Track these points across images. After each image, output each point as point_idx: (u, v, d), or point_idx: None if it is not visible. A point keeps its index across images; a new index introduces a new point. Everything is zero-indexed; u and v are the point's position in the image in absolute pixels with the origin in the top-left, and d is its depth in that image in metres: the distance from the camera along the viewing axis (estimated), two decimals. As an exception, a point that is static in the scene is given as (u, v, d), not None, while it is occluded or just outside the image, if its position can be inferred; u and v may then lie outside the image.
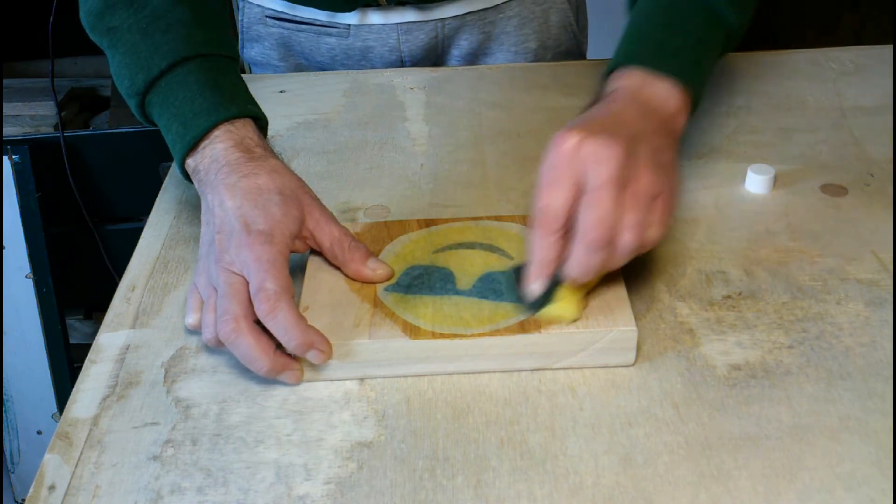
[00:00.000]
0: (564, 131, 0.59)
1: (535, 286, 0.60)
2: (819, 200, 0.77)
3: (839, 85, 0.94)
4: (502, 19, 1.04)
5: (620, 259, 0.59)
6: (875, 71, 0.96)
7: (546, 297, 0.59)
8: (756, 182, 0.77)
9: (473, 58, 1.06)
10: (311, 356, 0.59)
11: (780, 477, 0.53)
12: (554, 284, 0.59)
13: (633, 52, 0.69)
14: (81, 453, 0.57)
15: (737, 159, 0.82)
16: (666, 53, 0.68)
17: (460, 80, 0.98)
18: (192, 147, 0.68)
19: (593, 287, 0.62)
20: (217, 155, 0.67)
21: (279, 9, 1.03)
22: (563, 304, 0.60)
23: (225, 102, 0.69)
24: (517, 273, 0.62)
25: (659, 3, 0.72)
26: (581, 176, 0.58)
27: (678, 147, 0.66)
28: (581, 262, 0.58)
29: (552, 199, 0.58)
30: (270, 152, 0.69)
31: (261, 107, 0.74)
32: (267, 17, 1.04)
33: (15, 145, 1.37)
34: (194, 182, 0.69)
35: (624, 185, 0.57)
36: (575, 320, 0.60)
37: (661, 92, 0.66)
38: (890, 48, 0.99)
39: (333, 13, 1.00)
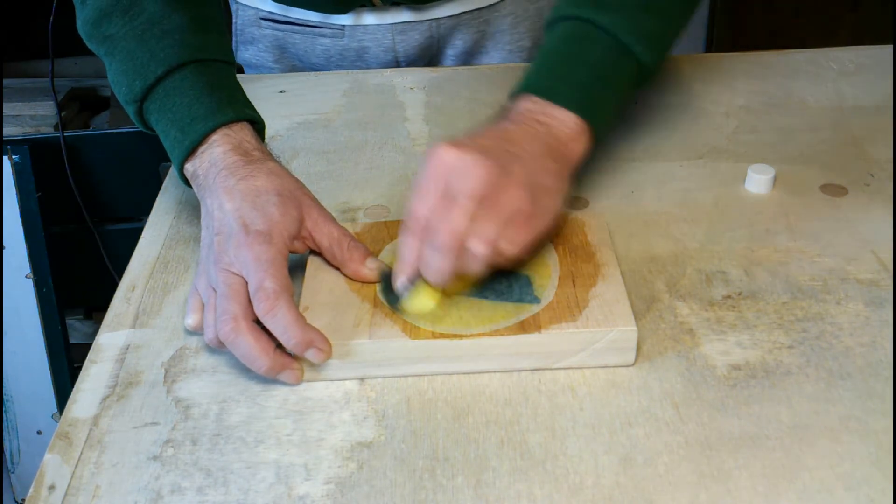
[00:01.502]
0: (443, 144, 0.62)
1: (399, 283, 0.63)
2: (819, 200, 0.77)
3: (839, 85, 0.94)
4: (497, 18, 1.04)
5: (474, 266, 0.61)
6: (875, 71, 0.96)
7: (409, 294, 0.62)
8: (756, 182, 0.77)
9: (469, 57, 1.06)
10: (311, 355, 0.59)
11: (780, 477, 0.53)
12: (414, 283, 0.62)
13: (536, 82, 0.70)
14: (81, 453, 0.57)
15: (737, 159, 0.82)
16: (567, 86, 0.69)
17: (460, 79, 0.98)
18: (191, 152, 0.68)
19: (463, 289, 0.64)
20: (215, 159, 0.67)
21: (273, 10, 1.03)
22: (420, 299, 0.62)
23: (222, 107, 0.69)
24: (387, 275, 0.65)
25: (569, 35, 0.72)
26: (449, 186, 0.61)
27: (567, 174, 0.67)
28: (430, 264, 0.61)
29: (418, 207, 0.61)
30: (268, 155, 0.69)
31: (261, 107, 0.74)
32: (261, 19, 1.04)
33: (15, 145, 1.37)
34: (193, 187, 0.69)
35: (485, 199, 0.60)
36: (431, 311, 0.62)
37: (555, 118, 0.68)
38: (890, 48, 0.99)
39: (327, 14, 1.00)
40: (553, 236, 0.68)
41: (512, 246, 0.62)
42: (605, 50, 0.70)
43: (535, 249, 0.65)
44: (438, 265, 0.60)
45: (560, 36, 0.72)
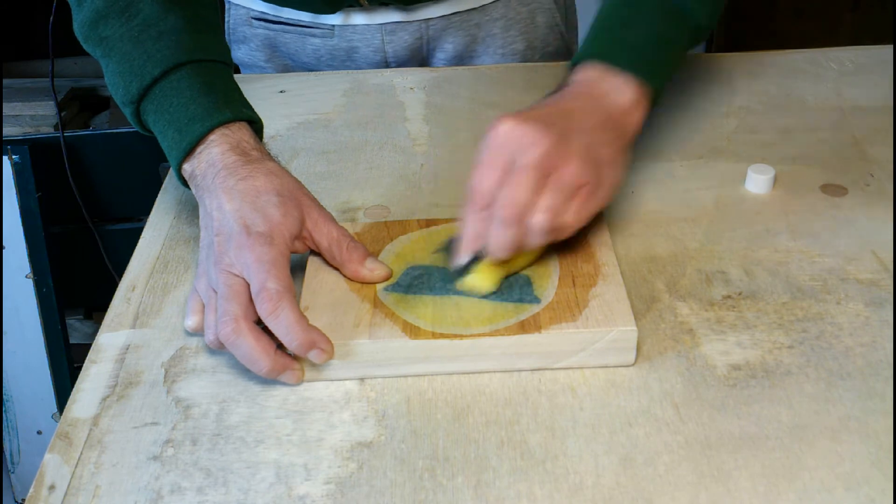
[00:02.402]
0: (502, 117, 0.62)
1: (460, 258, 0.63)
2: (819, 200, 0.77)
3: (839, 85, 0.94)
4: (488, 21, 1.03)
5: (534, 238, 0.61)
6: (875, 71, 0.96)
7: (467, 269, 0.63)
8: (756, 182, 0.77)
9: (459, 60, 1.06)
10: (313, 356, 0.59)
11: (780, 477, 0.53)
12: (477, 258, 0.62)
13: (594, 48, 0.71)
14: (81, 453, 0.57)
15: (737, 159, 0.82)
16: (625, 49, 0.70)
17: (460, 79, 0.98)
18: (189, 152, 0.68)
19: (525, 266, 0.65)
20: (214, 159, 0.67)
21: (264, 10, 1.03)
22: (479, 276, 0.63)
23: (220, 107, 0.69)
24: (450, 245, 0.65)
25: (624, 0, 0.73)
26: (510, 159, 0.61)
27: (627, 143, 0.68)
28: (493, 235, 0.61)
29: (481, 180, 0.61)
30: (267, 155, 0.69)
31: (260, 107, 0.74)
32: (252, 18, 1.04)
33: (15, 145, 1.37)
34: (191, 187, 0.69)
35: (547, 172, 0.61)
36: (489, 293, 0.63)
37: (615, 87, 0.68)
38: (890, 48, 0.99)
39: (317, 14, 1.00)
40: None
41: (575, 219, 0.62)
42: (662, 12, 0.71)
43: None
44: (502, 238, 0.60)
45: (615, 1, 0.73)
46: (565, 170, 0.61)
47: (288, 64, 1.07)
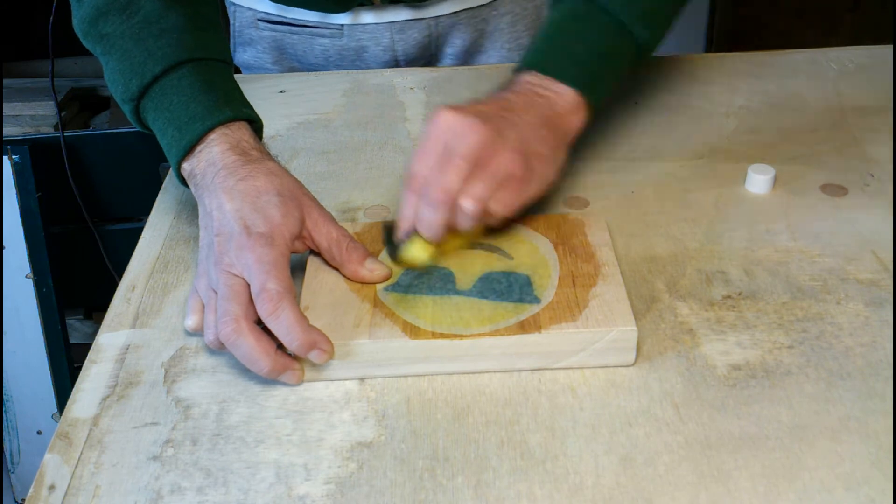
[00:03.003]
0: (444, 108, 0.66)
1: (400, 234, 0.66)
2: (819, 200, 0.77)
3: (839, 85, 0.94)
4: (495, 17, 1.04)
5: (463, 221, 0.64)
6: (875, 71, 0.96)
7: (405, 245, 0.66)
8: (756, 182, 0.77)
9: (467, 56, 1.06)
10: (314, 356, 0.59)
11: (780, 477, 0.53)
12: (411, 236, 0.66)
13: (537, 57, 0.73)
14: (81, 453, 0.57)
15: (737, 159, 0.82)
16: (567, 61, 0.72)
17: (460, 79, 0.98)
18: (188, 151, 0.68)
19: (458, 247, 0.67)
20: (214, 158, 0.67)
21: (271, 11, 1.03)
22: (415, 248, 0.65)
23: (220, 106, 0.69)
24: (388, 228, 0.68)
25: (570, 13, 0.75)
26: (447, 148, 0.64)
27: (564, 144, 0.71)
28: (424, 217, 0.64)
29: (418, 165, 0.65)
30: (267, 155, 0.69)
31: (261, 107, 0.74)
32: (259, 20, 1.04)
33: (15, 145, 1.37)
34: (191, 186, 0.69)
35: (479, 161, 0.64)
36: (425, 264, 0.66)
37: (554, 91, 0.71)
38: (890, 48, 0.99)
39: (326, 14, 1.00)
40: (550, 228, 0.68)
41: (502, 207, 0.65)
42: (605, 28, 0.73)
43: (526, 211, 0.69)
44: (431, 219, 0.64)
45: (562, 13, 0.75)
46: (496, 160, 0.64)
47: (295, 66, 1.07)
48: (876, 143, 0.84)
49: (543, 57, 0.73)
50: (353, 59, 1.04)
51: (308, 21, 1.02)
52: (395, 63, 1.04)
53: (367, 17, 1.00)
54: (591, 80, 0.72)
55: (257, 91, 0.96)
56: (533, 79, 0.71)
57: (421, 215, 0.64)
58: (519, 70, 0.73)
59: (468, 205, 0.63)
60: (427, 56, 1.05)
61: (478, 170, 0.64)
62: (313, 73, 1.03)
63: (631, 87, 0.93)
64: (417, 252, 0.65)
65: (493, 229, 0.69)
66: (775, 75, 0.96)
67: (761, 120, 0.88)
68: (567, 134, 0.71)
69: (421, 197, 0.64)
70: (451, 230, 0.65)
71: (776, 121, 0.88)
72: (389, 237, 0.67)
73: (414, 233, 0.65)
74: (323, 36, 1.02)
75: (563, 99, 0.71)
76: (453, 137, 0.64)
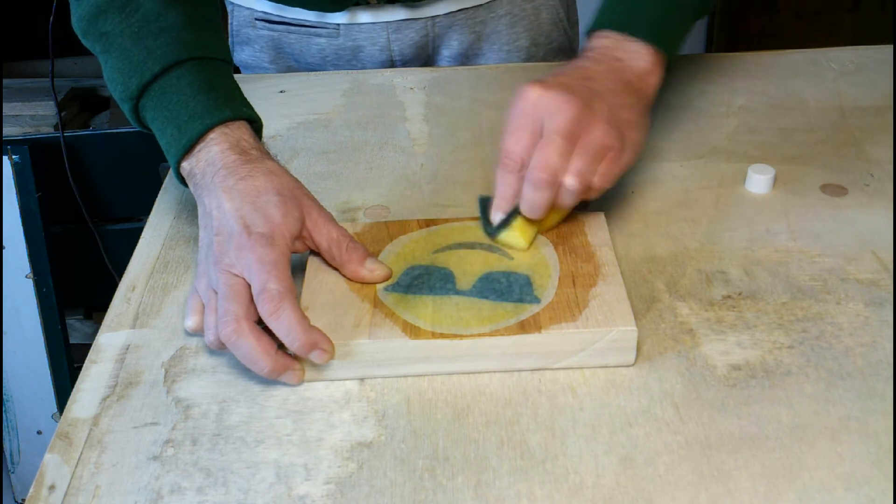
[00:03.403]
0: (530, 84, 0.66)
1: (495, 216, 0.68)
2: (819, 200, 0.77)
3: (839, 85, 0.94)
4: (493, 18, 1.04)
5: (567, 199, 0.65)
6: (875, 71, 0.96)
7: (503, 226, 0.67)
8: (756, 182, 0.77)
9: (465, 58, 1.06)
10: (315, 356, 0.59)
11: (780, 477, 0.53)
12: (511, 216, 0.67)
13: (609, 17, 0.74)
14: (81, 453, 0.57)
15: (737, 159, 0.82)
16: (639, 18, 0.73)
17: (460, 80, 0.98)
18: (188, 150, 0.68)
19: (555, 225, 0.69)
20: (213, 158, 0.67)
21: (268, 10, 1.03)
22: (515, 233, 0.67)
23: (219, 105, 0.69)
24: (485, 203, 0.69)
25: None
26: (539, 124, 0.65)
27: (646, 106, 0.71)
28: (528, 197, 0.65)
29: (512, 144, 0.66)
30: (266, 154, 0.69)
31: (260, 107, 0.74)
32: (256, 19, 1.04)
33: (15, 145, 1.37)
34: (190, 186, 0.69)
35: (575, 136, 0.64)
36: (525, 249, 0.67)
37: (631, 52, 0.71)
38: (890, 48, 0.99)
39: (322, 13, 1.00)
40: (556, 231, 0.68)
41: (603, 180, 0.66)
42: None
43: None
44: (536, 199, 0.64)
45: None
46: (592, 134, 0.65)
47: (292, 65, 1.07)
48: (876, 143, 0.84)
49: (617, 16, 0.73)
50: (349, 59, 1.04)
51: (305, 20, 1.02)
52: (391, 63, 1.04)
53: (364, 16, 1.00)
54: (665, 35, 0.73)
55: (257, 91, 0.96)
56: (608, 42, 0.72)
57: (525, 195, 0.65)
58: (591, 32, 0.74)
59: (572, 182, 0.64)
60: (424, 57, 1.05)
61: (576, 145, 0.64)
62: (313, 73, 1.03)
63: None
64: (520, 232, 0.67)
65: (586, 202, 0.70)
66: (775, 75, 0.96)
67: (761, 120, 0.88)
68: (648, 95, 0.72)
69: (522, 177, 0.65)
70: (552, 207, 0.66)
71: (776, 121, 0.88)
72: (486, 214, 0.68)
73: (514, 212, 0.66)
74: (320, 35, 1.02)
75: (641, 58, 0.71)
76: (546, 114, 0.64)
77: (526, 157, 0.65)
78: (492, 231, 0.68)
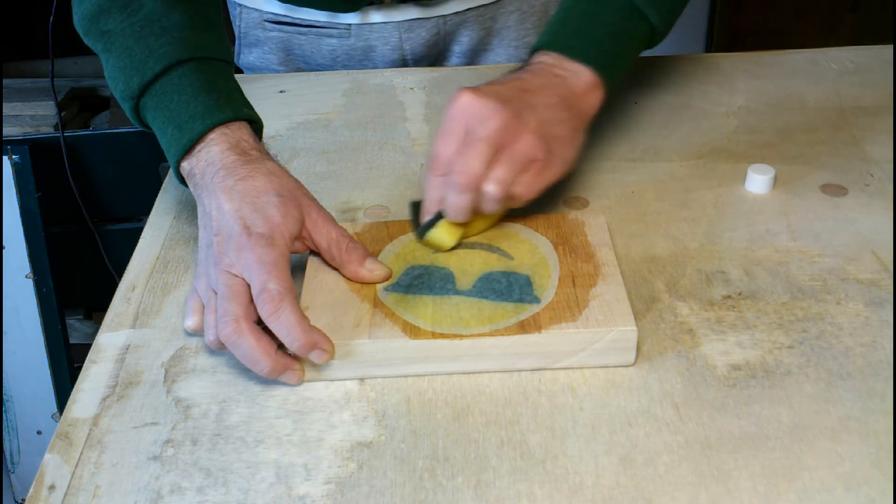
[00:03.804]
0: (464, 89, 0.66)
1: (425, 218, 0.68)
2: (819, 200, 0.77)
3: (839, 85, 0.94)
4: (503, 14, 1.04)
5: (488, 205, 0.66)
6: (875, 71, 0.96)
7: (429, 226, 0.68)
8: (756, 182, 0.77)
9: (475, 54, 1.06)
10: (314, 356, 0.59)
11: (780, 477, 0.53)
12: (438, 218, 0.67)
13: (553, 38, 0.74)
14: (81, 453, 0.57)
15: (737, 159, 0.82)
16: (582, 41, 0.73)
17: (460, 80, 0.98)
18: (188, 150, 0.68)
19: (483, 230, 0.70)
20: (213, 158, 0.67)
21: (278, 12, 1.02)
22: (440, 233, 0.67)
23: (220, 105, 0.69)
24: (416, 207, 0.70)
25: None
26: (467, 130, 0.65)
27: (583, 124, 0.72)
28: (449, 200, 0.66)
29: (440, 148, 0.66)
30: (266, 154, 0.69)
31: (261, 107, 0.74)
32: (265, 21, 1.04)
33: (15, 145, 1.37)
34: (189, 186, 0.69)
35: (500, 144, 0.65)
36: (448, 249, 0.68)
37: (572, 71, 0.71)
38: (890, 48, 0.99)
39: (334, 14, 1.00)
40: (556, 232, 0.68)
41: (525, 190, 0.67)
42: (620, 11, 0.74)
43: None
44: (457, 203, 0.65)
45: None
46: (518, 144, 0.65)
47: (301, 67, 1.07)
48: (876, 143, 0.84)
49: (559, 38, 0.74)
50: (360, 59, 1.03)
51: (316, 21, 1.01)
52: (402, 62, 1.04)
53: (376, 16, 1.00)
54: (607, 59, 0.73)
55: (257, 91, 0.96)
56: (549, 59, 0.72)
57: (446, 199, 0.66)
58: (534, 51, 0.74)
59: (492, 189, 0.65)
60: (435, 54, 1.05)
61: (500, 153, 0.65)
62: (313, 73, 1.03)
63: (631, 87, 0.93)
64: (444, 234, 0.67)
65: (516, 210, 0.70)
66: (775, 75, 0.96)
67: (761, 120, 0.88)
68: (585, 114, 0.72)
69: (445, 181, 0.66)
70: (476, 212, 0.66)
71: (776, 121, 0.88)
72: (416, 217, 0.69)
73: (440, 215, 0.67)
74: (331, 36, 1.02)
75: (580, 78, 0.71)
76: (474, 120, 0.65)
77: (451, 162, 0.65)
78: (419, 232, 0.68)
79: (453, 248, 0.68)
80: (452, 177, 0.65)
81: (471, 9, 1.02)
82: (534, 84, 0.70)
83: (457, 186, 0.65)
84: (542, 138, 0.66)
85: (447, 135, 0.66)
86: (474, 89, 0.66)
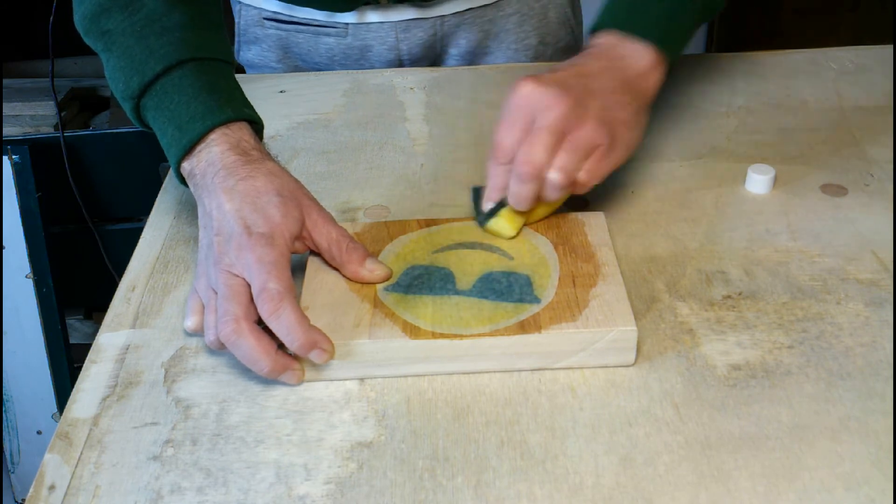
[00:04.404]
0: (525, 78, 0.67)
1: (486, 205, 0.69)
2: (819, 200, 0.77)
3: (839, 85, 0.94)
4: (502, 17, 1.04)
5: (552, 193, 0.66)
6: (875, 71, 0.96)
7: (491, 215, 0.69)
8: (756, 182, 0.77)
9: (473, 56, 1.06)
10: (314, 356, 0.59)
11: (780, 477, 0.53)
12: (500, 205, 0.68)
13: (612, 16, 0.74)
14: (81, 453, 0.57)
15: (737, 159, 0.82)
16: (642, 18, 0.73)
17: (460, 80, 0.98)
18: (188, 150, 0.68)
19: (544, 216, 0.70)
20: (213, 158, 0.67)
21: (277, 10, 1.03)
22: (503, 221, 0.68)
23: (221, 106, 0.69)
24: (478, 192, 0.71)
25: None
26: (531, 118, 0.66)
27: (644, 106, 0.72)
28: (513, 189, 0.66)
29: (503, 136, 0.67)
30: (266, 155, 0.69)
31: (261, 107, 0.74)
32: (264, 19, 1.04)
33: (15, 145, 1.37)
34: (190, 186, 0.69)
35: (563, 132, 0.65)
36: (511, 237, 0.68)
37: (632, 51, 0.72)
38: (890, 48, 0.99)
39: (332, 13, 1.00)
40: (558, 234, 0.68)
41: (590, 177, 0.67)
42: None
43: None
44: (521, 192, 0.66)
45: None
46: (580, 131, 0.66)
47: (299, 65, 1.07)
48: (876, 143, 0.84)
49: (617, 15, 0.74)
50: (357, 59, 1.04)
51: (314, 20, 1.02)
52: (399, 63, 1.04)
53: (373, 16, 1.00)
54: (667, 35, 0.73)
55: (257, 91, 0.96)
56: (610, 40, 0.72)
57: (511, 188, 0.66)
58: (594, 30, 0.74)
59: (556, 177, 0.65)
60: (432, 56, 1.05)
61: (563, 141, 0.65)
62: (313, 73, 1.03)
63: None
64: (506, 222, 0.68)
65: (580, 197, 0.71)
66: (775, 75, 0.96)
67: (761, 120, 0.88)
68: (647, 94, 0.72)
69: (509, 170, 0.66)
70: (539, 200, 0.67)
71: (776, 121, 0.88)
72: (477, 203, 0.70)
73: (502, 203, 0.68)
74: (328, 35, 1.02)
75: (641, 57, 0.71)
76: (537, 109, 0.65)
77: (516, 150, 0.66)
78: (481, 219, 0.69)
79: (515, 237, 0.69)
80: (516, 166, 0.65)
81: (469, 10, 1.02)
82: (594, 68, 0.70)
83: (521, 175, 0.65)
84: (605, 123, 0.67)
85: (510, 124, 0.67)
86: (535, 77, 0.67)
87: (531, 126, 0.66)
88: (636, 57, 0.71)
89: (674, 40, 0.74)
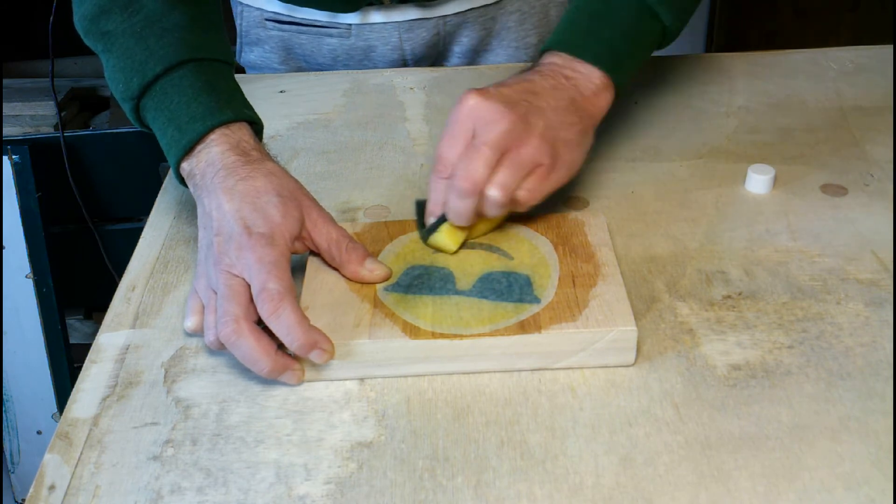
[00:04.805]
0: (470, 91, 0.66)
1: (428, 220, 0.68)
2: (819, 200, 0.77)
3: (839, 85, 0.94)
4: (503, 15, 1.04)
5: (491, 210, 0.65)
6: (875, 71, 0.96)
7: (433, 229, 0.68)
8: (756, 182, 0.77)
9: (475, 54, 1.06)
10: (314, 356, 0.59)
11: (780, 477, 0.53)
12: (442, 220, 0.67)
13: (563, 38, 0.73)
14: (81, 453, 0.57)
15: (737, 159, 0.82)
16: (593, 42, 0.72)
17: (460, 80, 0.98)
18: (188, 151, 0.68)
19: (486, 231, 0.69)
20: (213, 159, 0.67)
21: (279, 11, 1.03)
22: (443, 237, 0.67)
23: (221, 106, 0.69)
24: (421, 206, 0.70)
25: None
26: (472, 133, 0.65)
27: (591, 127, 0.71)
28: (451, 204, 0.65)
29: (445, 150, 0.66)
30: (266, 155, 0.69)
31: (261, 107, 0.74)
32: (266, 20, 1.04)
33: (15, 145, 1.37)
34: (189, 186, 0.69)
35: (505, 148, 0.65)
36: (452, 252, 0.67)
37: (582, 73, 0.71)
38: (890, 48, 0.99)
39: (334, 14, 1.00)
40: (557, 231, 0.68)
41: (529, 195, 0.66)
42: (632, 11, 0.74)
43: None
44: (459, 207, 0.65)
45: None
46: (522, 148, 0.65)
47: (302, 66, 1.07)
48: (876, 143, 0.84)
49: (570, 37, 0.73)
50: (360, 59, 1.04)
51: (316, 21, 1.02)
52: (402, 62, 1.04)
53: (376, 16, 1.00)
54: (618, 61, 0.72)
55: (257, 91, 0.96)
56: (559, 60, 0.71)
57: (449, 203, 0.65)
58: (544, 51, 0.73)
59: (495, 194, 0.64)
60: (435, 55, 1.05)
61: (504, 158, 0.65)
62: (313, 73, 1.03)
63: (631, 87, 0.93)
64: (447, 237, 0.67)
65: (522, 214, 0.69)
66: (775, 75, 0.96)
67: (761, 120, 0.88)
68: (594, 116, 0.71)
69: (448, 184, 0.65)
70: (479, 216, 0.66)
71: (776, 121, 0.88)
72: (421, 216, 0.69)
73: (444, 217, 0.67)
74: (331, 36, 1.02)
75: (590, 80, 0.71)
76: (480, 123, 0.65)
77: (456, 165, 0.65)
78: (423, 234, 0.69)
79: (456, 252, 0.67)
80: (455, 181, 0.64)
81: (471, 9, 1.02)
82: (542, 86, 0.69)
83: (459, 191, 0.64)
84: (548, 142, 0.66)
85: (452, 137, 0.66)
86: (481, 91, 0.66)
87: (473, 141, 0.65)
88: (585, 79, 0.71)
89: (623, 67, 0.73)
